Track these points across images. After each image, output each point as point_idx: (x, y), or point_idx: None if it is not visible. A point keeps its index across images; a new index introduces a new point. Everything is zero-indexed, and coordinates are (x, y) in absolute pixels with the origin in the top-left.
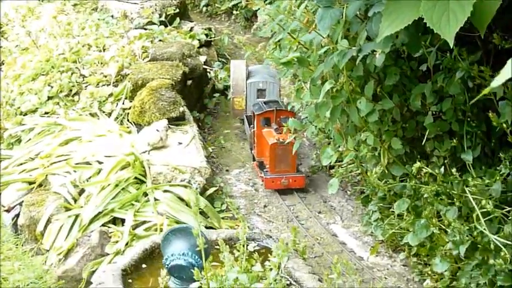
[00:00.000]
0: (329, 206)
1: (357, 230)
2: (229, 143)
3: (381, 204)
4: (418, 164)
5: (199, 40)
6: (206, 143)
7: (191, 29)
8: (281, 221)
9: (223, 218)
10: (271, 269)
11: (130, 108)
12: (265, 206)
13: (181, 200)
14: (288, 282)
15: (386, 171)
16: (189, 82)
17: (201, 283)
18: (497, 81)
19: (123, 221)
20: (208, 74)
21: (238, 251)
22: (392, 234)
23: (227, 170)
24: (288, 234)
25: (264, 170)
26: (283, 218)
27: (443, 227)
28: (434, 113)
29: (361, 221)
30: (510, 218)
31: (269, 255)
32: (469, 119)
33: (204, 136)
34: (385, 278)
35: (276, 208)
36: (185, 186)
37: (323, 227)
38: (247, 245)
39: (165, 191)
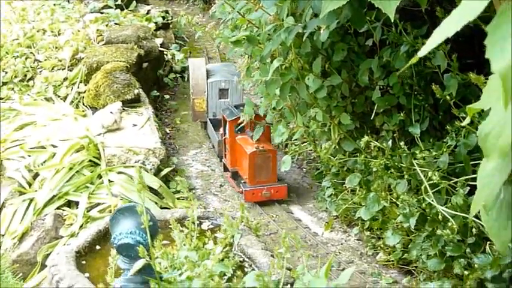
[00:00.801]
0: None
1: (312, 206)
2: (186, 124)
3: (335, 180)
4: (366, 138)
5: (156, 23)
6: (163, 125)
7: (148, 12)
8: (237, 200)
9: (178, 199)
10: (219, 245)
11: (85, 91)
12: (221, 186)
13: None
14: (241, 259)
15: (337, 147)
16: (145, 64)
17: (147, 260)
18: (424, 50)
19: (77, 203)
20: (165, 56)
21: (188, 228)
22: (346, 209)
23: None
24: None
25: (242, 181)
26: (239, 197)
27: (394, 201)
28: (382, 87)
29: (316, 197)
30: (457, 189)
31: (219, 232)
32: (416, 93)
33: (162, 118)
34: (339, 252)
35: (232, 187)
36: (140, 168)
37: (278, 204)
38: (200, 224)
39: (119, 172)
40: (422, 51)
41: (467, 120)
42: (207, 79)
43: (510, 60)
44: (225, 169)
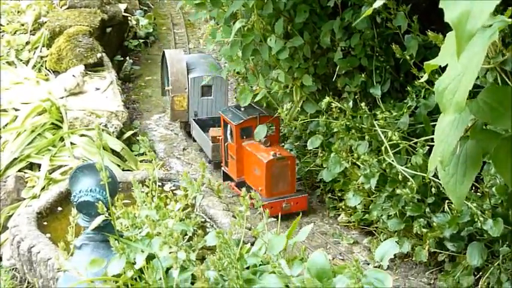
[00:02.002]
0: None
1: None
2: (150, 89)
3: (297, 143)
4: (327, 99)
5: None
6: (127, 89)
7: None
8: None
9: (141, 161)
10: (179, 202)
11: (47, 55)
12: (184, 149)
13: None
14: (203, 219)
15: (300, 110)
16: (109, 29)
17: (106, 217)
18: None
19: (39, 166)
20: (129, 22)
21: (148, 187)
22: (308, 172)
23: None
24: (206, 175)
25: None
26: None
27: (355, 162)
28: (343, 49)
29: None
30: (417, 149)
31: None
32: (377, 54)
33: (125, 82)
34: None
35: (195, 151)
36: (102, 130)
37: None
38: (162, 185)
39: (82, 135)
40: (378, 2)
41: (425, 77)
42: (187, 74)
43: (463, 9)
44: (226, 178)
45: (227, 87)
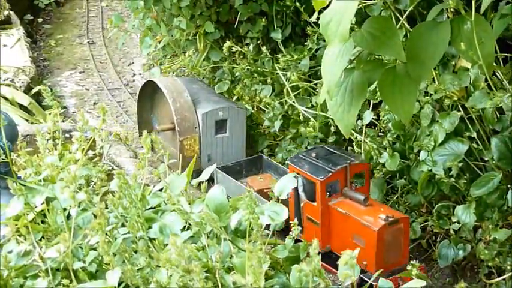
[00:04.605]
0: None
1: None
2: (61, 47)
3: None
4: (228, 43)
5: None
6: (37, 48)
7: None
8: (111, 117)
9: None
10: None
11: None
12: (95, 103)
13: (6, 99)
14: (111, 167)
15: (205, 57)
16: None
17: (3, 159)
18: None
19: None
20: None
21: (49, 134)
22: None
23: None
24: (116, 128)
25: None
26: (113, 114)
27: (260, 106)
28: None
29: None
30: (317, 90)
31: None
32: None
33: (37, 40)
34: None
35: (106, 105)
36: (8, 85)
37: None
38: (70, 137)
39: None
40: None
41: (315, 15)
42: (196, 109)
43: None
44: None
45: (245, 119)
